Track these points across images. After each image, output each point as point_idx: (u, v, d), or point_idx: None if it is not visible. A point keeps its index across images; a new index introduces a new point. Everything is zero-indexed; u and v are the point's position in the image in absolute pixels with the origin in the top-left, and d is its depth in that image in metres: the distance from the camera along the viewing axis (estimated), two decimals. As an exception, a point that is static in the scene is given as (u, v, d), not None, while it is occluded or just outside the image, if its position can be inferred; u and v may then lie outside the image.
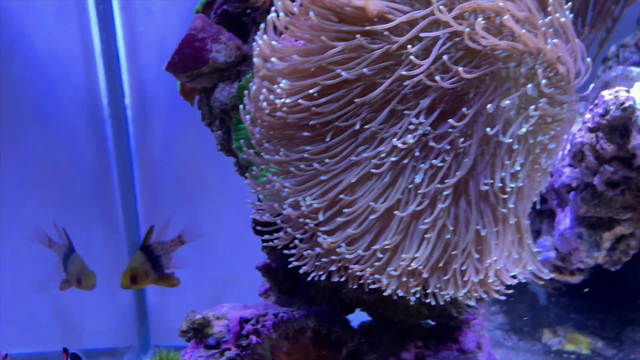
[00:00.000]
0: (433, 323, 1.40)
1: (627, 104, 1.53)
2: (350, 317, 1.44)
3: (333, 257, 0.99)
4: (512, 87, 0.96)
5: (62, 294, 1.87)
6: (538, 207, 1.10)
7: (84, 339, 2.41)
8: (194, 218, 2.33)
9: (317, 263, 1.04)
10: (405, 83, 0.91)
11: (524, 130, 0.92)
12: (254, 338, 1.35)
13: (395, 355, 1.33)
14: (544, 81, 0.90)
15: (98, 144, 2.28)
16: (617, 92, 1.56)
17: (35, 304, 2.35)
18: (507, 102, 0.91)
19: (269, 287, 1.58)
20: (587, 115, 1.64)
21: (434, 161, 0.94)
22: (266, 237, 1.09)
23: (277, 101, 0.96)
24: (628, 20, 2.13)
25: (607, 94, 1.57)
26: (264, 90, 0.99)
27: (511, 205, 0.94)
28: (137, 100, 2.29)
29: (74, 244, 1.81)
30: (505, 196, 0.94)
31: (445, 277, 0.96)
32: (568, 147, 1.76)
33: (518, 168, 0.94)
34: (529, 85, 0.91)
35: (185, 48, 1.19)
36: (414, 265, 0.94)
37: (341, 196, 0.96)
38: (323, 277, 1.03)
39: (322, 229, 0.98)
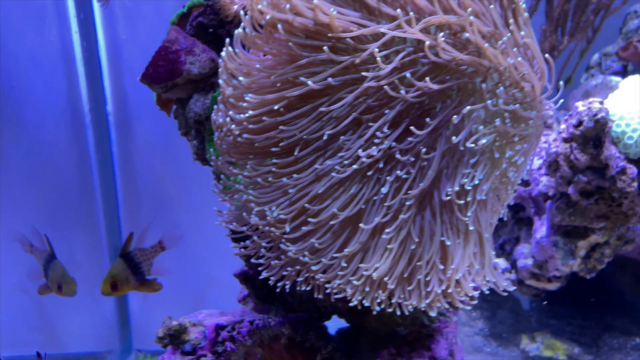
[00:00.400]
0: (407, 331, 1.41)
1: (599, 116, 1.55)
2: (330, 323, 1.45)
3: (298, 267, 1.00)
4: (477, 102, 0.98)
5: (43, 298, 1.87)
6: (505, 218, 1.12)
7: (65, 343, 2.41)
8: (176, 224, 2.33)
9: (284, 272, 1.05)
10: (366, 85, 0.92)
11: (484, 141, 0.93)
12: (229, 345, 1.37)
13: (369, 363, 1.35)
14: (500, 100, 0.92)
15: (80, 150, 2.28)
16: (590, 103, 1.58)
17: (16, 307, 2.35)
18: (468, 107, 0.93)
19: (247, 293, 1.59)
20: (562, 126, 1.67)
21: (399, 172, 0.96)
22: (233, 245, 1.10)
23: (244, 116, 0.97)
24: (613, 28, 2.15)
25: (580, 105, 1.59)
26: (230, 112, 1.00)
27: (469, 214, 0.96)
28: (119, 107, 2.30)
29: (55, 250, 1.81)
30: (462, 202, 0.95)
31: (410, 288, 0.98)
32: (544, 155, 1.78)
33: (481, 176, 0.96)
34: (489, 102, 0.93)
35: (159, 60, 1.21)
36: (375, 275, 0.95)
37: (307, 205, 0.97)
38: (288, 287, 1.05)
39: (286, 236, 0.99)
